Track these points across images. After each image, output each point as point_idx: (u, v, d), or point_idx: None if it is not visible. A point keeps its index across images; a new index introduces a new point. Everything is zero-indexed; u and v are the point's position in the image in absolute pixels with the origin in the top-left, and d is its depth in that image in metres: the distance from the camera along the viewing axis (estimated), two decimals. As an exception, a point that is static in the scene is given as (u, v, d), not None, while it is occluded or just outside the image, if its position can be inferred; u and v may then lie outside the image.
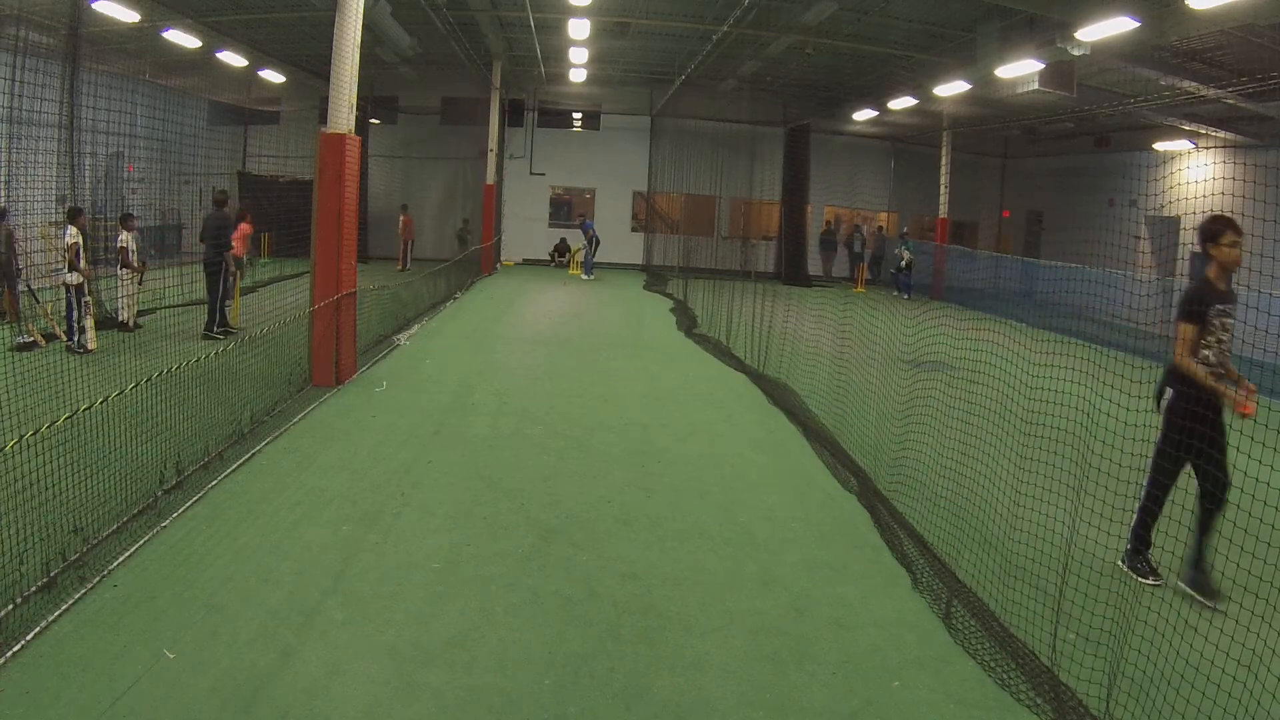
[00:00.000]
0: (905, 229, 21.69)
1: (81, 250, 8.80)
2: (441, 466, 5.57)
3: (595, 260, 19.50)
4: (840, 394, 7.41)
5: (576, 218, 21.82)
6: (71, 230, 8.80)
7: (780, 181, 21.83)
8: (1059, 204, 21.02)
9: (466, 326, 11.87)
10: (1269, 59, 11.07)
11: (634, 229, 23.08)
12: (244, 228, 11.73)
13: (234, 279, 10.52)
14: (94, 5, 11.55)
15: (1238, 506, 3.95)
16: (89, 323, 8.73)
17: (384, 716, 2.87)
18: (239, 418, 6.02)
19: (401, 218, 19.58)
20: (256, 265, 15.91)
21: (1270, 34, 10.45)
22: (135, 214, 10.49)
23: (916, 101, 17.12)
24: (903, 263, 19.32)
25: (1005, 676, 3.31)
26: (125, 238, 9.69)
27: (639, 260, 22.71)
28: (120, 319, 9.74)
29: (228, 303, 10.29)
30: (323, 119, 8.04)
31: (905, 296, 18.81)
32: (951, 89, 14.89)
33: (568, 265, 21.25)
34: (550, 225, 22.58)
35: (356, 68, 7.73)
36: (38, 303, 9.13)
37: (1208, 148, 15.88)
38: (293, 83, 19.53)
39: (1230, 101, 12.80)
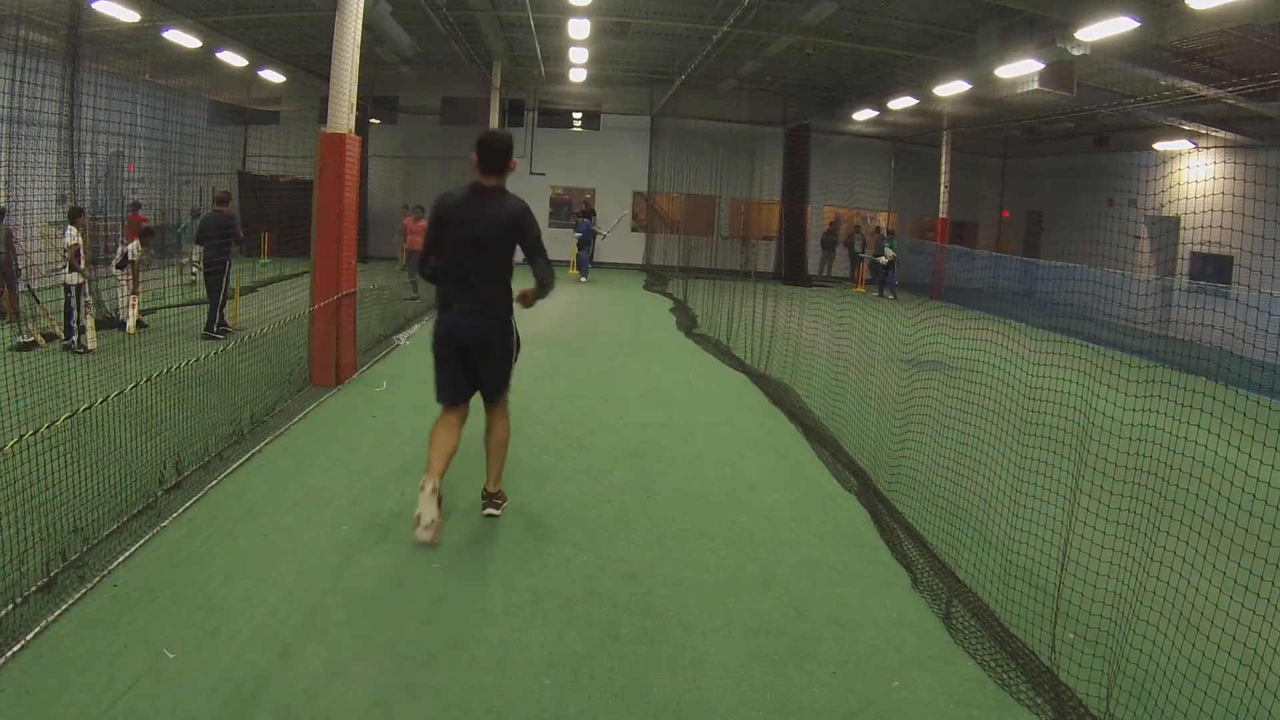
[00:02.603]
0: (858, 227, 22.24)
1: (81, 251, 8.81)
2: (441, 466, 5.55)
3: (594, 260, 19.43)
4: (840, 394, 7.41)
5: (573, 217, 21.68)
6: (72, 230, 8.81)
7: (780, 182, 21.83)
8: (1059, 204, 21.02)
9: (466, 326, 11.82)
10: (1269, 59, 11.07)
11: (634, 229, 23.06)
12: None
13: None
14: (94, 5, 11.55)
15: (1238, 506, 3.96)
16: (89, 323, 8.73)
17: (384, 716, 2.87)
18: (239, 418, 6.02)
19: (405, 219, 19.53)
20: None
21: (1270, 34, 10.44)
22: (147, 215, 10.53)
23: (916, 101, 17.11)
24: (883, 259, 19.45)
25: (1005, 676, 3.31)
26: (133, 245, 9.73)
27: (639, 260, 22.69)
28: (121, 319, 9.74)
29: (228, 303, 10.29)
30: (323, 119, 8.03)
31: (892, 296, 18.81)
32: (951, 89, 14.88)
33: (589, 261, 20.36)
34: (550, 225, 22.54)
35: (356, 68, 7.73)
36: (38, 303, 9.13)
37: (1208, 148, 15.87)
38: (293, 83, 19.51)
39: (1230, 101, 12.79)
